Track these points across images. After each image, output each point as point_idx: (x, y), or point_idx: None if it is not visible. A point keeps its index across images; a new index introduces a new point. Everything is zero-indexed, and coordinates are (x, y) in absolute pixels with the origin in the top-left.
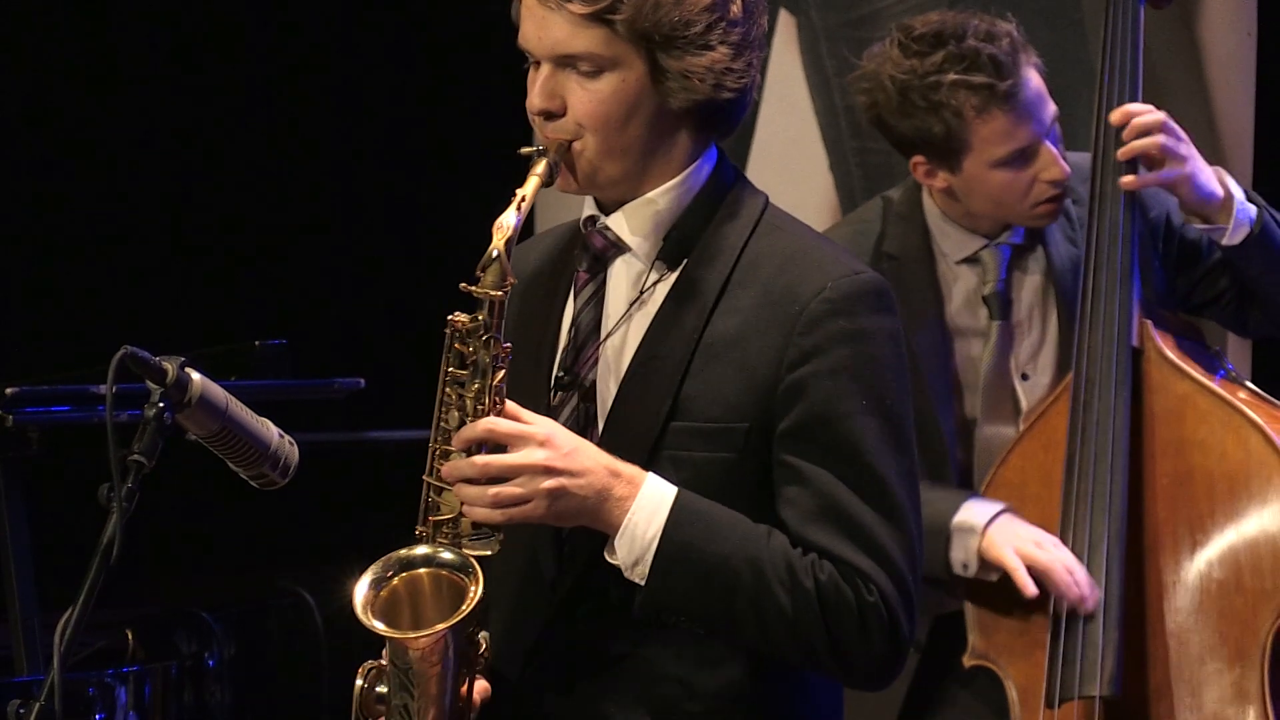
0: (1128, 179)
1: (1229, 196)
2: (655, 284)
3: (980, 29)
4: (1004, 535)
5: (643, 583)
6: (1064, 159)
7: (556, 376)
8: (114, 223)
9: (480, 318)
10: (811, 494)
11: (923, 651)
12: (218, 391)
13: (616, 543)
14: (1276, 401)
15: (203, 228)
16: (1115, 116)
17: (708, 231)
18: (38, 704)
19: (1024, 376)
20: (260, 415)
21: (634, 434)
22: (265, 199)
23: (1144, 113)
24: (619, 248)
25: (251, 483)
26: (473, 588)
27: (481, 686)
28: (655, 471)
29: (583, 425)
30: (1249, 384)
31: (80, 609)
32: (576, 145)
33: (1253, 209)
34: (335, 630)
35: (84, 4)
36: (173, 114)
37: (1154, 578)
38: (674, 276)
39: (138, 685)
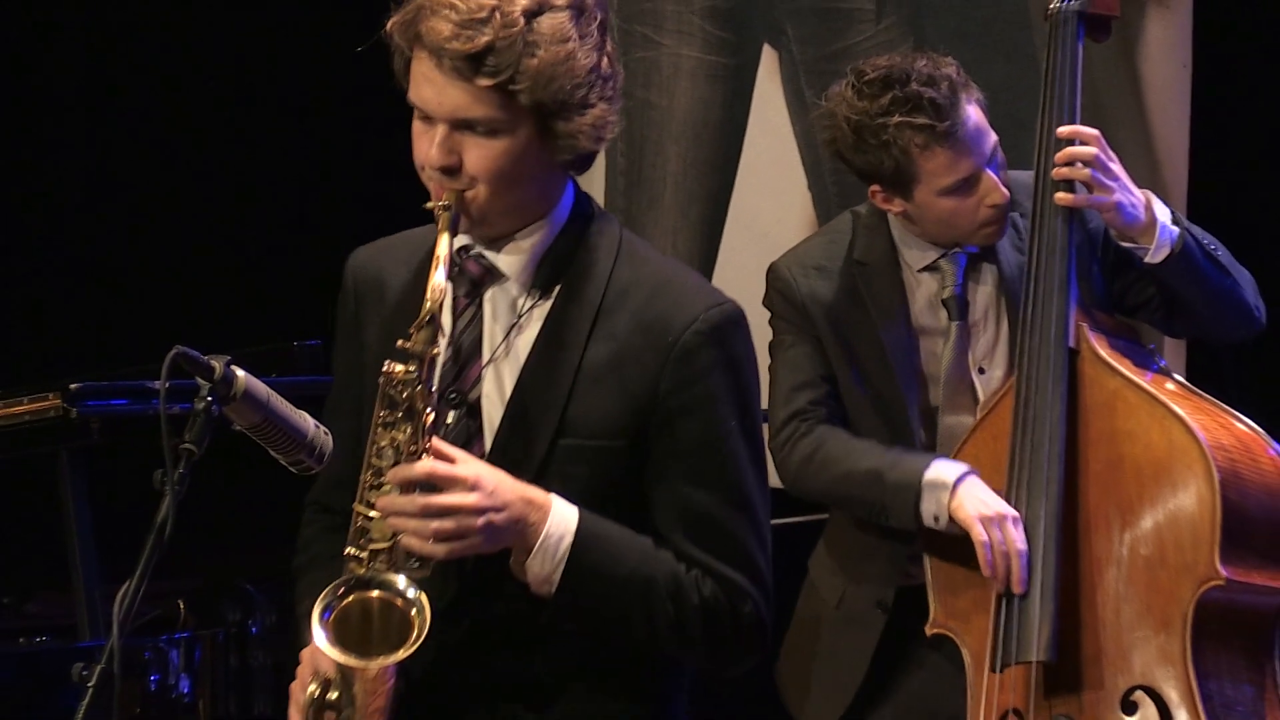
0: (1063, 196)
1: (1152, 221)
2: (531, 309)
3: (923, 73)
4: (971, 499)
5: (550, 595)
6: (1004, 183)
7: (444, 394)
8: (167, 235)
9: (413, 369)
10: (691, 514)
11: (889, 614)
12: (260, 386)
13: (528, 563)
14: (1203, 394)
15: (247, 240)
16: (1064, 131)
17: (576, 259)
18: (99, 666)
19: (980, 371)
20: (298, 408)
21: (523, 453)
22: (306, 215)
23: (1086, 140)
24: (495, 275)
25: (290, 468)
26: (419, 621)
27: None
28: (544, 486)
29: (466, 439)
30: (1178, 378)
31: (137, 581)
32: (469, 194)
33: (1175, 230)
34: None
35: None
36: (225, 126)
37: (1087, 554)
38: (548, 303)
39: (188, 650)
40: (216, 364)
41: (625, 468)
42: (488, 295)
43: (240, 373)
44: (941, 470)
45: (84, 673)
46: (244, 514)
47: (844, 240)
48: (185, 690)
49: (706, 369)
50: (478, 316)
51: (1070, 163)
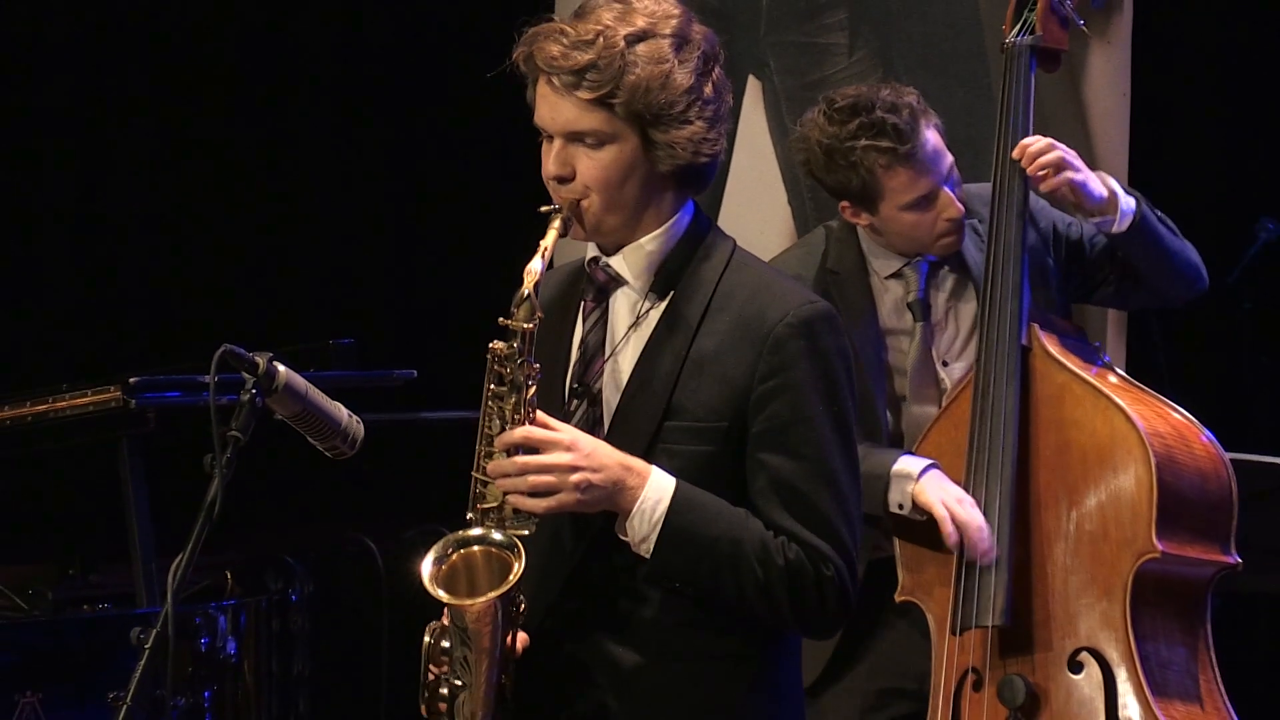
0: (1045, 182)
1: (1113, 195)
2: (648, 311)
3: (887, 101)
4: (933, 486)
5: (648, 556)
6: (961, 199)
7: (571, 386)
8: (217, 244)
9: (514, 345)
10: (781, 485)
11: (862, 585)
12: (299, 380)
13: (628, 524)
14: (1142, 386)
15: (289, 249)
16: (1015, 153)
17: (689, 268)
18: (155, 630)
19: (944, 364)
20: (333, 399)
21: (635, 432)
22: (344, 227)
23: (1034, 143)
24: (618, 281)
25: (326, 453)
26: (517, 563)
27: (521, 638)
28: (652, 461)
29: (590, 425)
30: (1120, 372)
31: (189, 554)
32: (584, 203)
33: (1132, 201)
34: (392, 572)
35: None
36: (277, 142)
37: (1038, 530)
38: (663, 305)
39: (235, 616)
40: (260, 360)
41: (724, 447)
42: (613, 300)
43: (281, 368)
44: (907, 463)
45: (141, 636)
46: (284, 494)
47: (818, 251)
48: (232, 652)
49: (796, 357)
50: (603, 319)
51: (1036, 158)
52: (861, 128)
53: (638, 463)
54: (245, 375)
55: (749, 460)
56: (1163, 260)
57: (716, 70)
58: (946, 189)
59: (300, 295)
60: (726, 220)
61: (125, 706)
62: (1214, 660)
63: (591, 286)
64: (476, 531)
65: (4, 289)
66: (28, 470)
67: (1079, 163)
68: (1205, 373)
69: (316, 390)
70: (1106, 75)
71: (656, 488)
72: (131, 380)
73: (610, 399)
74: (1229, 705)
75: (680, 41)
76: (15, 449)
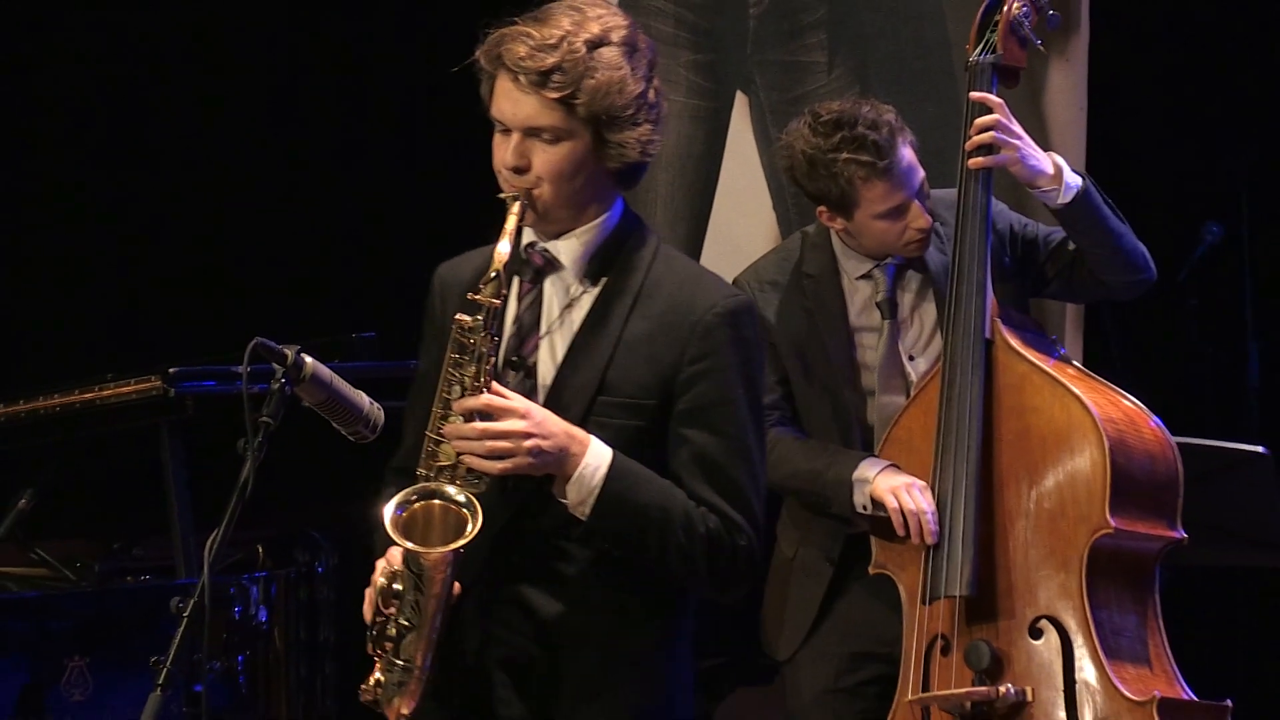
0: (976, 161)
1: (1059, 170)
2: (582, 294)
3: (868, 118)
4: (886, 482)
5: (584, 518)
6: (929, 209)
7: (508, 359)
8: (250, 241)
9: (479, 319)
10: (703, 459)
11: (837, 562)
12: (325, 370)
13: (568, 487)
14: (1096, 376)
15: (316, 248)
16: (975, 96)
17: (621, 258)
18: (192, 600)
19: (910, 358)
20: (356, 388)
21: (570, 404)
22: (367, 227)
23: (991, 106)
24: (555, 265)
25: (349, 438)
26: (473, 519)
27: (455, 586)
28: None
29: (525, 396)
30: (1076, 363)
31: (224, 529)
32: (536, 192)
33: (1078, 179)
34: None
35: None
36: (306, 148)
37: (1001, 508)
38: (596, 290)
39: (265, 586)
40: (289, 352)
41: (651, 422)
42: (547, 282)
43: (308, 359)
44: (865, 468)
45: (180, 605)
46: (311, 475)
47: (794, 257)
48: (263, 620)
49: (722, 343)
50: (538, 299)
51: (979, 131)
52: (844, 141)
53: (580, 432)
54: (275, 366)
55: (671, 435)
56: (1106, 240)
57: (657, 78)
58: (916, 202)
59: (326, 292)
60: (716, 225)
61: (165, 670)
62: (1161, 627)
63: (529, 269)
64: (437, 486)
65: (55, 288)
66: (76, 453)
67: (1022, 136)
68: (1155, 364)
69: (340, 379)
70: (1065, 91)
71: (596, 455)
72: (171, 370)
73: (545, 373)
74: (1175, 667)
75: (631, 49)
76: (65, 433)
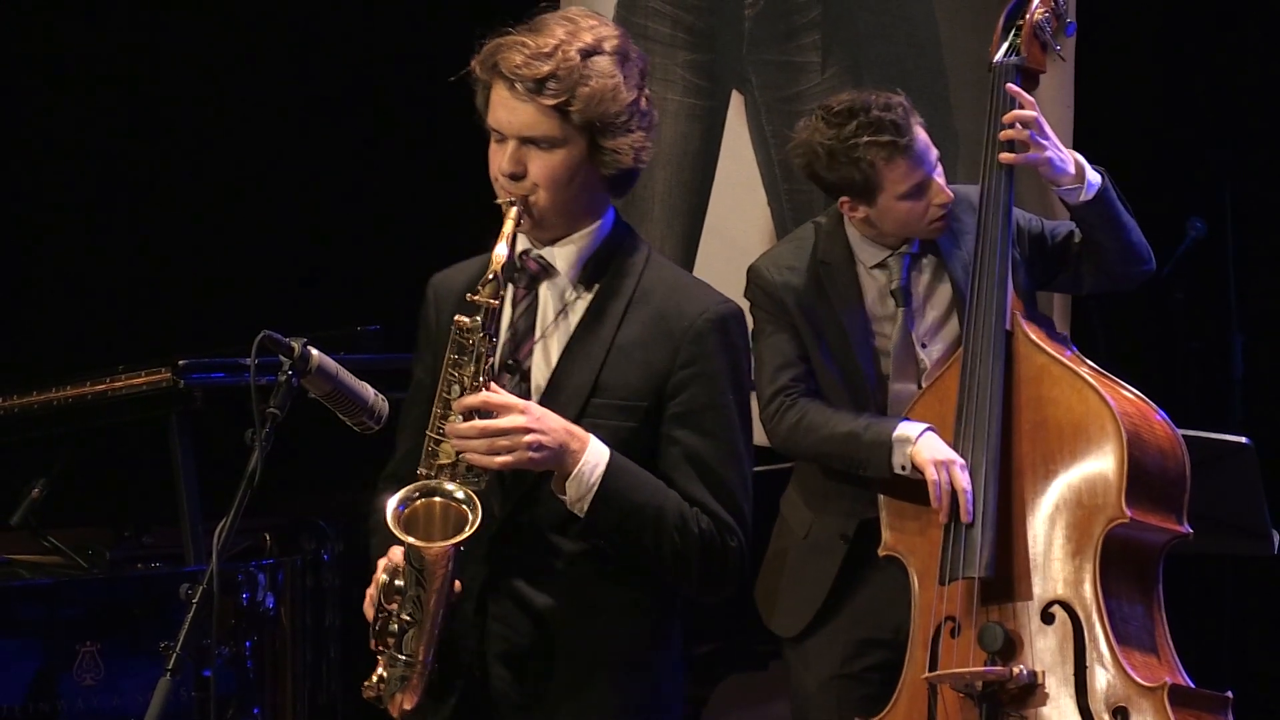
0: (1006, 156)
1: (1081, 171)
2: (575, 300)
3: (879, 102)
4: (928, 449)
5: (582, 514)
6: (947, 187)
7: (504, 362)
8: (257, 235)
9: (478, 320)
10: (694, 460)
11: (850, 543)
12: (330, 362)
13: (567, 484)
14: (1104, 371)
15: (322, 242)
16: (1012, 89)
17: (614, 263)
18: (201, 586)
19: (923, 345)
20: (361, 380)
21: (565, 405)
22: (373, 225)
23: (1026, 109)
24: (549, 272)
25: (354, 428)
26: (473, 515)
27: (456, 584)
28: None
29: (521, 398)
30: (1086, 359)
31: (232, 518)
32: (532, 198)
33: (1098, 177)
34: None
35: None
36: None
37: (1019, 495)
38: (590, 296)
39: (273, 573)
40: (296, 344)
41: (643, 424)
42: (542, 287)
43: (314, 351)
44: (906, 428)
45: (189, 591)
46: (317, 465)
47: (808, 245)
48: (270, 606)
49: (713, 349)
50: (533, 304)
51: (1014, 124)
52: (861, 126)
53: (579, 430)
54: (282, 358)
55: (663, 437)
56: (1120, 233)
57: (647, 86)
58: (935, 177)
59: (332, 285)
60: (713, 221)
61: (175, 655)
62: (1165, 619)
63: (523, 275)
64: (438, 484)
65: (67, 282)
66: (87, 443)
67: (1051, 136)
68: (1141, 356)
69: (346, 371)
70: (1053, 90)
71: (595, 453)
72: (180, 362)
73: (540, 376)
74: (1176, 656)
75: (623, 58)
76: (77, 424)
